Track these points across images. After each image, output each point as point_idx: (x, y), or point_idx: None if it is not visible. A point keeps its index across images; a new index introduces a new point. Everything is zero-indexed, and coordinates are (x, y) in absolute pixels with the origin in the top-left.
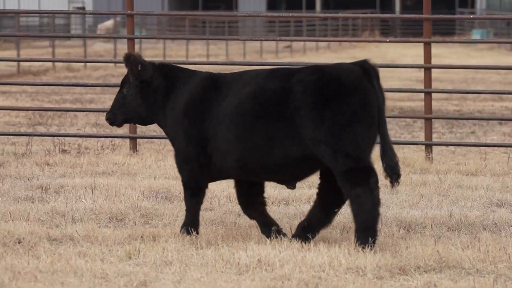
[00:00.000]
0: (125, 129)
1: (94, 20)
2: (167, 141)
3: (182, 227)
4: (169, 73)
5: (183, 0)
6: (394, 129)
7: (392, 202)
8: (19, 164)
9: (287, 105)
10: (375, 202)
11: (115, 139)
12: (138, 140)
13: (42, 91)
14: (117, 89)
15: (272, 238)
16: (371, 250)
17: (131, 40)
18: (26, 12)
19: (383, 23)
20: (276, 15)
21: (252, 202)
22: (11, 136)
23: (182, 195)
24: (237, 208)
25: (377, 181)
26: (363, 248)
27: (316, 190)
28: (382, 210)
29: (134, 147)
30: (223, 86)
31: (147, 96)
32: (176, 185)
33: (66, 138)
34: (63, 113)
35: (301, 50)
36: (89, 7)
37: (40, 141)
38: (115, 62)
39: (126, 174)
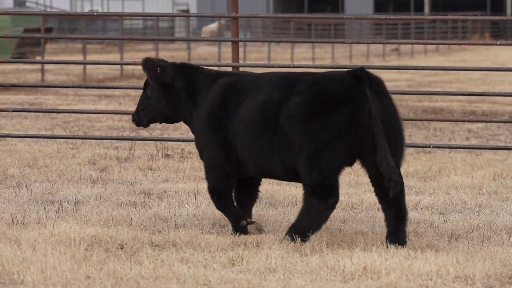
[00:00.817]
0: None
1: (198, 23)
2: None
3: (232, 228)
4: (189, 72)
5: (288, 2)
6: (505, 134)
7: (502, 209)
8: (122, 168)
9: (285, 116)
10: (322, 219)
11: None
12: None
13: None
14: None
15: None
16: (294, 243)
17: (235, 43)
18: (130, 15)
19: (493, 26)
20: (383, 17)
21: (245, 192)
22: (114, 141)
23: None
24: (342, 214)
25: (335, 202)
26: (283, 239)
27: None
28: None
29: None
30: (241, 92)
31: (170, 97)
32: (280, 191)
33: (169, 142)
34: None
35: (409, 53)
36: (193, 10)
37: (143, 145)
38: (219, 66)
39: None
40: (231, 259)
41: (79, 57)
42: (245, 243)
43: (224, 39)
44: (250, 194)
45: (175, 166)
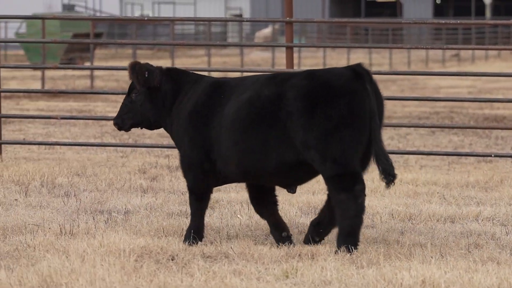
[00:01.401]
0: None
1: (251, 27)
2: None
3: (186, 231)
4: (177, 77)
5: (344, 6)
6: None
7: None
8: (173, 177)
9: (281, 111)
10: (359, 210)
11: None
12: None
13: None
14: None
15: (280, 243)
16: (350, 255)
17: (289, 49)
18: (181, 19)
19: None
20: (443, 22)
21: (263, 200)
22: (165, 149)
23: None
24: (400, 225)
25: (363, 189)
26: (336, 252)
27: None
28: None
29: None
30: (226, 92)
31: (156, 101)
32: None
33: None
34: None
35: (469, 59)
36: (246, 14)
37: None
38: (273, 72)
39: (283, 189)
40: (285, 271)
41: None
42: (299, 255)
43: (278, 44)
44: (270, 201)
45: None
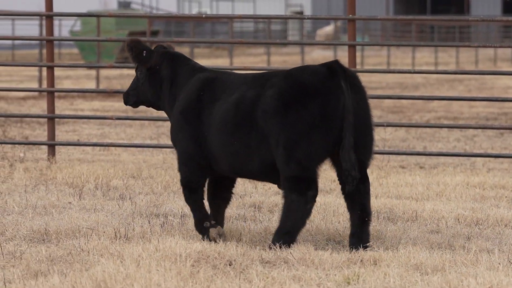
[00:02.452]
0: None
1: (313, 25)
2: (390, 156)
3: (194, 227)
4: (175, 65)
5: (409, 3)
6: None
7: None
8: None
9: (259, 110)
10: (305, 214)
11: None
12: None
13: None
14: None
15: (204, 235)
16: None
17: (352, 47)
18: (240, 17)
19: None
20: None
21: (217, 193)
22: None
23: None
24: (467, 230)
25: (315, 195)
26: (270, 247)
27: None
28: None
29: None
30: (217, 89)
31: (154, 83)
32: (400, 205)
33: None
34: None
35: None
36: (307, 12)
37: None
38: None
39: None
40: (346, 278)
41: None
42: (361, 261)
43: (340, 43)
44: (223, 196)
45: None
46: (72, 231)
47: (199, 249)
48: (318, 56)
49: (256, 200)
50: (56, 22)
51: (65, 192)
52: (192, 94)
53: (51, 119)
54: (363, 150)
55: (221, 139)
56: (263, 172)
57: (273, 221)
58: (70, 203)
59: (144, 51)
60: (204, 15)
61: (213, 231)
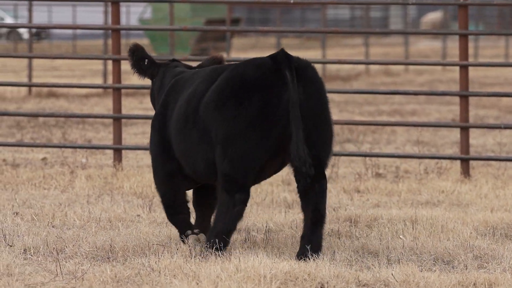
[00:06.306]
0: (455, 149)
1: (418, 12)
2: (507, 163)
3: (179, 237)
4: (165, 75)
5: None
6: None
7: None
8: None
9: (202, 105)
10: (234, 217)
11: (442, 160)
12: (471, 162)
13: (353, 100)
14: (444, 98)
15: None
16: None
17: (463, 37)
18: (334, 3)
19: None
20: None
21: (203, 198)
22: None
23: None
24: None
25: (244, 199)
26: (204, 251)
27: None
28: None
29: (466, 171)
30: (180, 88)
31: (152, 93)
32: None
33: (381, 158)
34: (378, 127)
35: None
36: None
37: (349, 162)
38: (444, 65)
39: (456, 205)
40: None
41: None
42: (474, 284)
43: (450, 32)
44: (209, 202)
45: (388, 188)
46: (141, 248)
47: (286, 269)
48: (424, 47)
49: (351, 213)
50: (123, 9)
51: (133, 204)
52: (161, 99)
53: (117, 119)
54: (319, 146)
55: (177, 137)
56: (207, 173)
57: (371, 238)
58: (138, 215)
59: (146, 60)
60: (292, 1)
61: (191, 238)
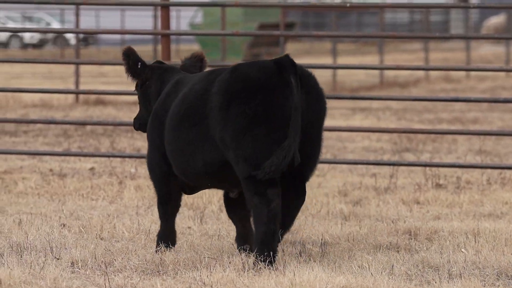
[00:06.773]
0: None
1: (480, 15)
2: None
3: (156, 237)
4: (165, 78)
5: None
6: None
7: None
8: (381, 201)
9: (205, 107)
10: (271, 215)
11: (506, 170)
12: None
13: (412, 107)
14: (508, 105)
15: (239, 251)
16: (268, 268)
17: None
18: (393, 6)
19: None
20: None
21: (235, 205)
22: (371, 166)
23: None
24: None
25: (276, 193)
26: (254, 264)
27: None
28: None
29: None
30: (179, 89)
31: (145, 102)
32: None
33: (441, 168)
34: (439, 136)
35: None
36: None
37: (408, 172)
38: (507, 71)
39: None
40: None
41: (328, 60)
42: None
43: None
44: (241, 206)
45: (449, 199)
46: (192, 262)
47: (343, 283)
48: (487, 52)
49: (411, 225)
50: (173, 13)
51: (184, 215)
52: (159, 99)
53: None
54: (308, 160)
55: (170, 136)
56: (204, 172)
57: (432, 251)
58: (189, 228)
59: (140, 63)
60: (348, 4)
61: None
